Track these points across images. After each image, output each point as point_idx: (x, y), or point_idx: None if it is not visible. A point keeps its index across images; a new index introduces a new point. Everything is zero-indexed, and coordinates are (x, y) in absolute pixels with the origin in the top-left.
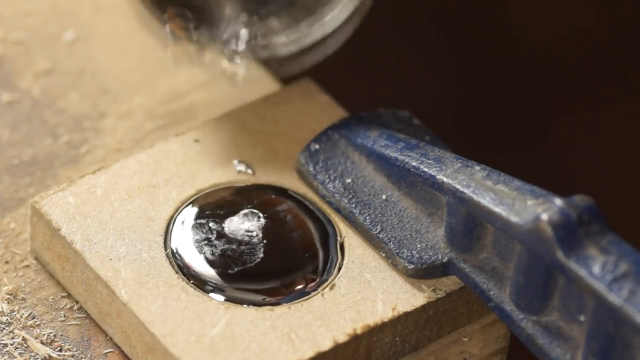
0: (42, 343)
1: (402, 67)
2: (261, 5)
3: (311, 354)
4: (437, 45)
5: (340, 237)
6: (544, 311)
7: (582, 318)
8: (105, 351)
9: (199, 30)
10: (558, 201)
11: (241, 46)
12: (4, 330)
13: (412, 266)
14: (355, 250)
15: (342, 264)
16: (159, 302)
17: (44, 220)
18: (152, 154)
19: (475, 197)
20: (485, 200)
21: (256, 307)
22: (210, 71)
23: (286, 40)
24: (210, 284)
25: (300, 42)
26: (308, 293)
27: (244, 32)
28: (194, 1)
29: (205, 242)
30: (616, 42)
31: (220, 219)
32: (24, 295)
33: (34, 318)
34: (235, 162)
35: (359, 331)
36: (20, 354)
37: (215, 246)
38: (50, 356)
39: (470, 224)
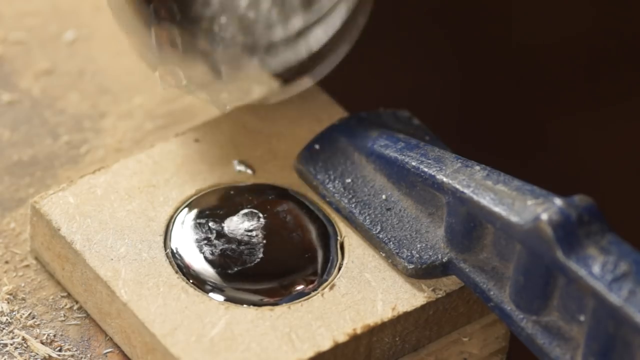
0: (42, 343)
1: (402, 67)
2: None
3: (311, 354)
4: (437, 45)
5: (340, 237)
6: (544, 311)
7: (582, 318)
8: (105, 351)
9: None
10: (558, 201)
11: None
12: (4, 330)
13: (412, 266)
14: (355, 250)
15: (342, 264)
16: (159, 302)
17: (44, 220)
18: (152, 154)
19: (475, 197)
20: (485, 200)
21: (256, 307)
22: (198, 97)
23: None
24: (210, 283)
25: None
26: (308, 293)
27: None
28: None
29: (205, 241)
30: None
31: (220, 218)
32: (24, 295)
33: (34, 318)
34: (235, 162)
35: (359, 331)
36: (20, 354)
37: (214, 246)
38: (50, 356)
39: (470, 224)
